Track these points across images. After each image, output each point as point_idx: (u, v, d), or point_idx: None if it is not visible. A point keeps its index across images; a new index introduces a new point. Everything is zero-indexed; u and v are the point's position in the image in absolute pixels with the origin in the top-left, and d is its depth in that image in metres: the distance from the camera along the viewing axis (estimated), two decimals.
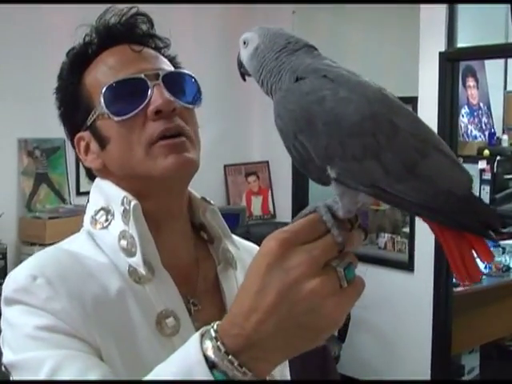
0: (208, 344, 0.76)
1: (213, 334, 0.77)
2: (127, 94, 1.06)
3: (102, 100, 1.06)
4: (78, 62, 1.12)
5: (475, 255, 0.75)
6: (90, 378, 0.89)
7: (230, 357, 0.75)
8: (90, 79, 1.11)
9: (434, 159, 0.74)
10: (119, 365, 0.96)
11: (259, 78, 0.87)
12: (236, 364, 0.75)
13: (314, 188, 4.97)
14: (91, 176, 1.17)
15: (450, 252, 0.76)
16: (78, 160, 4.23)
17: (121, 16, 1.12)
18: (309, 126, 0.75)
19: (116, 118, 1.06)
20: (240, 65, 0.91)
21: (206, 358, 0.75)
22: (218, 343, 0.76)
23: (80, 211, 4.00)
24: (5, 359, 0.98)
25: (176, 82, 1.10)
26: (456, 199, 0.73)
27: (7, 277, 1.02)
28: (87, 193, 4.44)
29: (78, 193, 4.15)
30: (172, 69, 1.13)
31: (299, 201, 5.01)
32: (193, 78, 1.14)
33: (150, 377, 0.81)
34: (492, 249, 5.06)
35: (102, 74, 1.09)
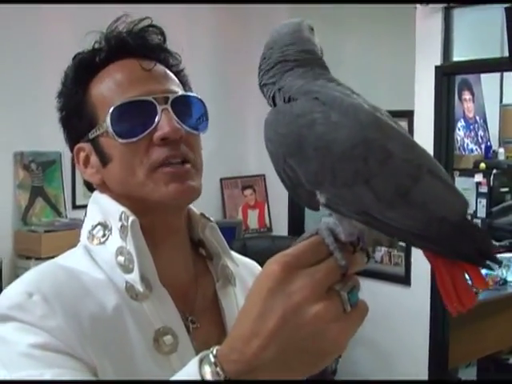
0: (207, 369, 0.75)
1: (212, 360, 0.75)
2: (134, 116, 1.04)
3: (109, 120, 1.04)
4: (85, 69, 1.10)
5: (469, 282, 0.74)
6: None
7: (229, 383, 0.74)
8: (97, 92, 1.08)
9: (428, 185, 0.73)
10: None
11: (260, 84, 0.86)
12: None
13: None
14: (90, 187, 1.16)
15: (441, 279, 0.74)
16: (73, 174, 4.20)
17: (132, 26, 1.10)
18: (299, 151, 0.74)
19: (121, 140, 1.04)
20: None
21: (206, 382, 0.74)
22: (217, 369, 0.74)
23: (76, 225, 4.00)
24: None
25: (184, 106, 1.08)
26: (450, 226, 0.71)
27: (2, 293, 1.00)
28: (83, 206, 4.41)
29: (74, 206, 4.14)
30: (180, 91, 1.10)
31: (295, 214, 5.00)
32: (201, 101, 1.12)
33: None
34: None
35: (110, 90, 1.07)
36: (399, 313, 4.31)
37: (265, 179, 5.19)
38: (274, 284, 0.73)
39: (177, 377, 0.79)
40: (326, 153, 0.72)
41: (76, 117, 1.10)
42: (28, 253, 3.71)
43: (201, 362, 0.76)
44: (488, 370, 5.13)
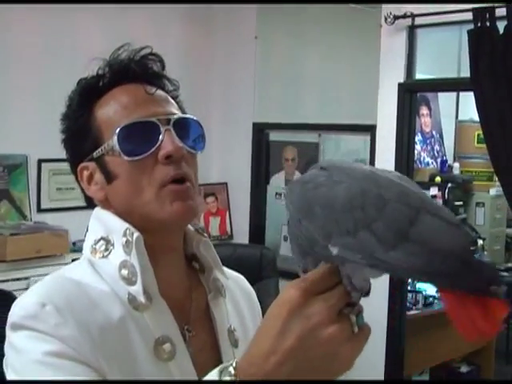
0: (227, 380, 0.82)
1: (232, 371, 0.83)
2: (140, 136, 1.10)
3: (116, 139, 1.10)
4: (89, 92, 1.16)
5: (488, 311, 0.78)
6: None
7: None
8: (102, 114, 1.14)
9: (427, 223, 0.79)
10: None
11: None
12: None
13: (270, 210, 5.05)
14: (91, 204, 1.20)
15: (453, 312, 0.79)
16: (39, 177, 4.23)
17: (134, 54, 1.16)
18: (309, 211, 0.83)
19: (127, 158, 1.09)
20: None
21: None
22: (237, 380, 0.82)
23: (41, 228, 3.99)
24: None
25: (184, 127, 1.15)
26: (453, 261, 0.76)
27: (14, 304, 1.04)
28: (48, 210, 4.44)
29: (39, 210, 4.15)
30: (180, 114, 1.17)
31: (256, 222, 5.07)
32: (198, 123, 1.19)
33: None
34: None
35: (115, 112, 1.13)
36: None
37: (227, 187, 5.26)
38: (294, 307, 0.81)
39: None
40: (330, 207, 0.81)
41: (81, 137, 1.15)
42: None
43: (220, 373, 0.84)
44: (440, 378, 5.27)
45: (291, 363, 0.81)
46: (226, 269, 1.28)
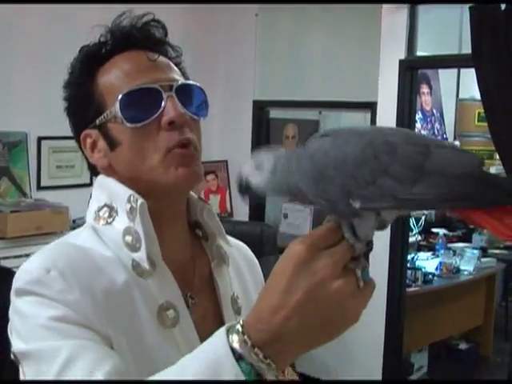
0: (234, 337, 0.82)
1: (239, 329, 0.82)
2: (142, 102, 1.09)
3: (118, 105, 1.09)
4: (91, 60, 1.15)
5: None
6: (104, 368, 0.92)
7: (255, 349, 0.81)
8: (105, 81, 1.13)
9: (439, 154, 0.81)
10: (128, 354, 1.00)
11: (287, 188, 0.91)
12: (261, 356, 0.81)
13: None
14: (94, 171, 1.20)
15: (488, 225, 0.81)
16: (39, 155, 4.24)
17: (136, 20, 1.16)
18: (323, 177, 0.83)
19: (129, 125, 1.09)
20: (246, 187, 0.93)
21: (233, 350, 0.81)
22: (245, 337, 0.81)
23: (41, 205, 3.99)
24: (15, 348, 1.00)
25: (187, 94, 1.14)
26: (472, 181, 0.79)
27: (19, 269, 1.04)
28: (48, 187, 4.43)
29: (39, 187, 4.14)
30: (183, 79, 1.16)
31: (256, 200, 5.06)
32: (201, 89, 1.18)
33: (176, 368, 0.85)
34: (442, 251, 5.16)
35: (118, 79, 1.12)
36: None
37: (227, 165, 5.25)
38: (300, 262, 0.81)
39: (204, 345, 0.85)
40: (343, 166, 0.82)
41: (83, 105, 1.15)
42: None
43: (227, 331, 0.83)
44: (439, 355, 5.31)
45: (299, 318, 0.81)
46: (229, 237, 1.28)
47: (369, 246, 0.85)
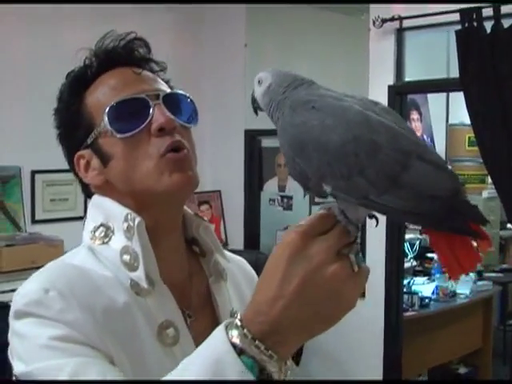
0: (234, 333, 0.82)
1: (238, 323, 0.83)
2: (130, 112, 1.11)
3: (106, 118, 1.10)
4: (78, 83, 1.17)
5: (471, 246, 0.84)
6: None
7: (256, 342, 0.81)
8: (92, 99, 1.14)
9: (416, 168, 0.82)
10: (129, 372, 1.00)
11: (269, 111, 0.95)
12: (262, 348, 0.81)
13: (265, 217, 5.05)
14: (88, 193, 1.20)
15: (440, 250, 0.84)
16: (33, 189, 4.24)
17: (119, 40, 1.17)
18: (302, 152, 0.85)
19: (119, 135, 1.10)
20: (253, 101, 0.99)
21: (233, 346, 0.81)
22: (245, 330, 0.82)
23: (36, 239, 3.98)
24: (17, 371, 1.00)
25: (174, 103, 1.15)
26: (440, 203, 0.81)
27: (16, 291, 1.04)
28: (42, 221, 4.41)
29: (34, 221, 4.13)
30: (169, 90, 1.18)
31: (251, 229, 5.07)
32: (189, 98, 1.19)
33: (177, 370, 0.86)
34: (438, 275, 5.14)
35: (104, 94, 1.13)
36: (354, 324, 4.39)
37: (220, 195, 5.26)
38: (294, 250, 0.83)
39: (205, 345, 0.85)
40: (323, 152, 0.83)
41: (74, 126, 1.16)
42: None
43: (226, 328, 0.84)
44: (438, 381, 5.27)
45: (297, 306, 0.82)
46: (227, 252, 1.29)
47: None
